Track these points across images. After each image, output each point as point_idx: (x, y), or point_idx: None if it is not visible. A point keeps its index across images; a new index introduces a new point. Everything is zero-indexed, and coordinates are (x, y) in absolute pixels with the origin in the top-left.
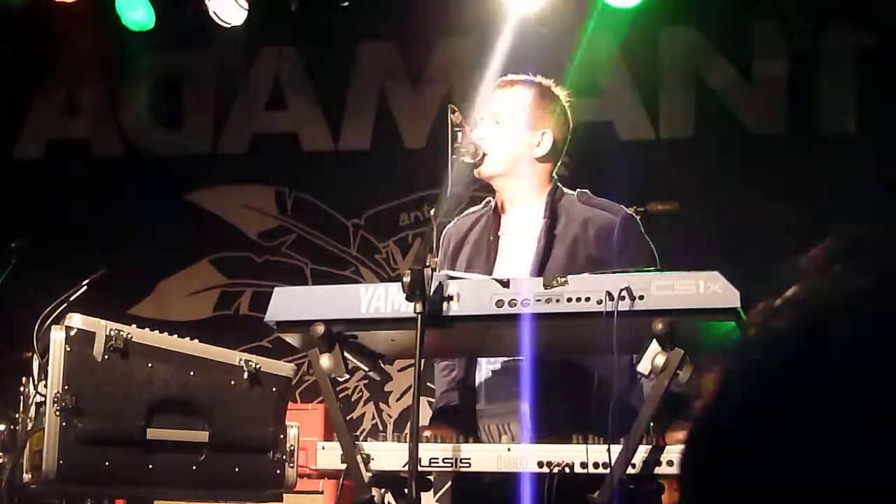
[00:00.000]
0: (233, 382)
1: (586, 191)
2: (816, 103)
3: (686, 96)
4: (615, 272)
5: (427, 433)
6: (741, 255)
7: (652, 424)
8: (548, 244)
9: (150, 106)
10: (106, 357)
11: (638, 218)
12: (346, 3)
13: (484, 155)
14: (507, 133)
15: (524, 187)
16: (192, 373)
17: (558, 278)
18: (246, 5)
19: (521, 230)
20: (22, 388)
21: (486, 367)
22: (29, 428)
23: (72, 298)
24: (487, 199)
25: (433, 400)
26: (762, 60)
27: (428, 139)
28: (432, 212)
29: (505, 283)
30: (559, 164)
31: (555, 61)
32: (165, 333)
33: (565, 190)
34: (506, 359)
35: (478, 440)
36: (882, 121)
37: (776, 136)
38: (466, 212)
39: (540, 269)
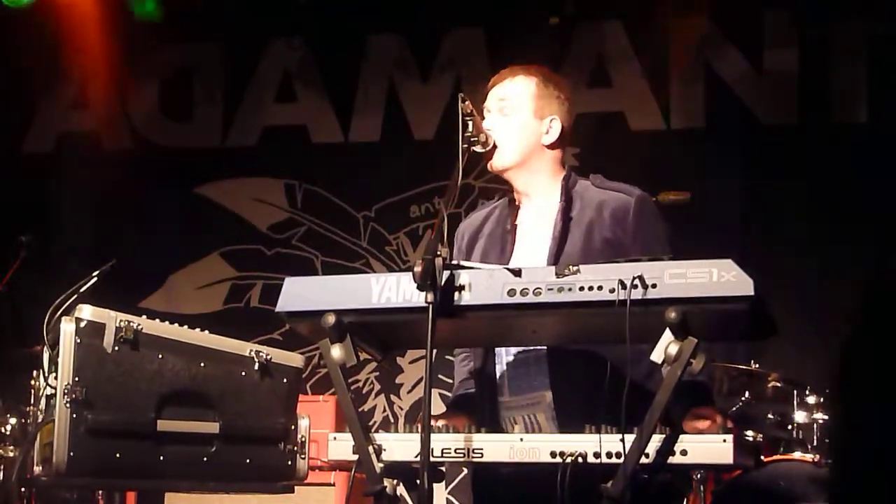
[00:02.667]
0: (243, 373)
1: (599, 175)
2: (828, 93)
3: (697, 86)
4: (629, 260)
5: (440, 423)
6: (753, 244)
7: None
8: (564, 228)
9: (160, 99)
10: (116, 348)
11: (652, 201)
12: None
13: (494, 147)
14: (515, 123)
15: (537, 177)
16: (202, 364)
17: (570, 267)
18: None
19: (537, 218)
20: (32, 382)
21: (505, 358)
22: (39, 420)
23: (81, 290)
24: (501, 194)
25: (445, 392)
26: (774, 50)
27: (438, 130)
28: (443, 203)
29: (517, 273)
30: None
31: (565, 51)
32: (176, 325)
33: (579, 177)
34: (525, 348)
35: (500, 431)
36: (894, 110)
37: (788, 126)
38: (478, 207)
39: (557, 253)
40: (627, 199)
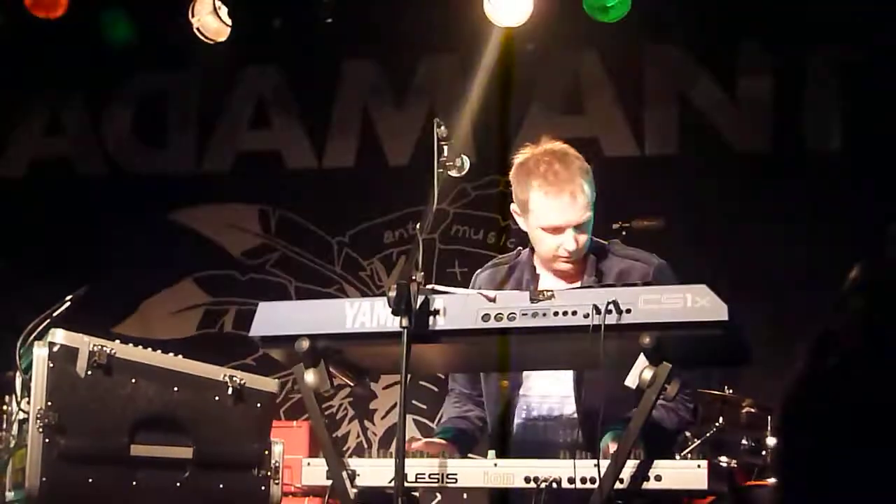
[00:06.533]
0: (217, 398)
1: (616, 240)
2: (801, 120)
3: (671, 113)
4: (603, 285)
5: (416, 444)
6: (727, 270)
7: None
8: None
9: (134, 124)
10: (89, 373)
11: (669, 266)
12: (330, 20)
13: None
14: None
15: None
16: (175, 389)
17: (545, 292)
18: (230, 22)
19: (561, 285)
20: (4, 406)
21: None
22: (11, 445)
23: (54, 315)
24: (517, 251)
25: (419, 417)
26: (747, 77)
27: (412, 156)
28: (418, 228)
29: (491, 298)
30: None
31: (540, 78)
32: (149, 349)
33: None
34: (543, 416)
35: None
36: (867, 137)
37: (761, 153)
38: (495, 261)
39: None
40: (647, 269)
